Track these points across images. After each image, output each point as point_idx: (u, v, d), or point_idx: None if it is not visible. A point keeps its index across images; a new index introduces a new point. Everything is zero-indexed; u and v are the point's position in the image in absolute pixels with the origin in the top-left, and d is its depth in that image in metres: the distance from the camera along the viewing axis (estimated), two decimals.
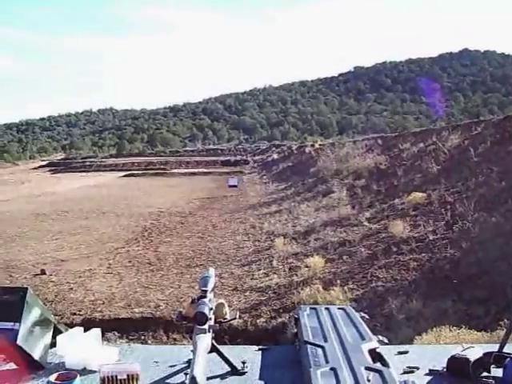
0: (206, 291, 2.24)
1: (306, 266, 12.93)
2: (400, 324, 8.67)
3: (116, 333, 10.80)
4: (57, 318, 11.40)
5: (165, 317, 11.27)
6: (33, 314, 2.55)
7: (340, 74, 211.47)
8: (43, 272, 15.39)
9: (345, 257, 13.37)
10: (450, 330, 6.65)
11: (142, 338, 10.62)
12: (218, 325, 2.28)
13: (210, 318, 2.16)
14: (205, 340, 2.07)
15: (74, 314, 11.76)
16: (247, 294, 12.32)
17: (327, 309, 3.21)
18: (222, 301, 2.50)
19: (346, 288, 10.79)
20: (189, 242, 19.70)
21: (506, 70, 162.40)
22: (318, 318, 3.00)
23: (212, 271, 2.55)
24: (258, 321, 10.52)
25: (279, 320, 10.29)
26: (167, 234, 21.75)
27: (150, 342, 10.44)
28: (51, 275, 15.20)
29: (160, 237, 21.08)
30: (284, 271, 13.50)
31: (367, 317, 3.24)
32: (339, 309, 3.25)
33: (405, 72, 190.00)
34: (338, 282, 11.34)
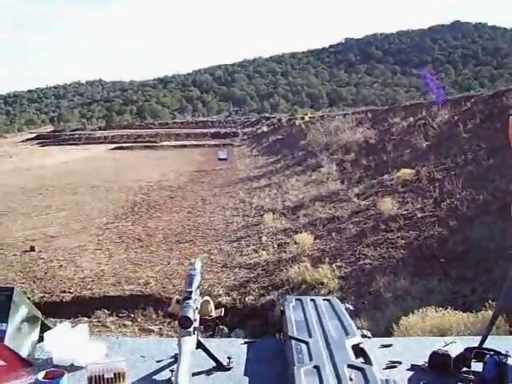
0: (190, 292, 2.26)
1: (295, 243, 12.99)
2: (387, 302, 8.76)
3: (106, 310, 10.87)
4: (46, 295, 11.47)
5: (154, 294, 11.32)
6: (20, 313, 2.57)
7: (330, 46, 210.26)
8: (32, 249, 15.36)
9: (333, 233, 13.44)
10: (436, 311, 6.74)
11: (132, 315, 10.67)
12: (202, 326, 2.31)
13: (195, 320, 2.19)
14: (190, 342, 2.10)
15: (64, 291, 11.78)
16: (236, 270, 12.38)
17: (313, 300, 3.24)
18: (207, 298, 2.53)
19: (334, 266, 10.87)
20: (178, 216, 19.72)
21: (496, 43, 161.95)
22: (304, 310, 3.03)
23: (199, 263, 2.57)
24: (246, 298, 10.58)
25: (268, 298, 10.36)
26: (157, 208, 21.75)
27: (139, 319, 10.50)
28: (40, 252, 15.18)
29: (149, 212, 21.09)
30: (273, 247, 13.56)
31: (352, 308, 3.28)
32: (324, 300, 3.28)
33: (396, 44, 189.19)
34: (327, 259, 11.41)
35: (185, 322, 2.11)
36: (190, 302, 2.21)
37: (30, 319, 2.66)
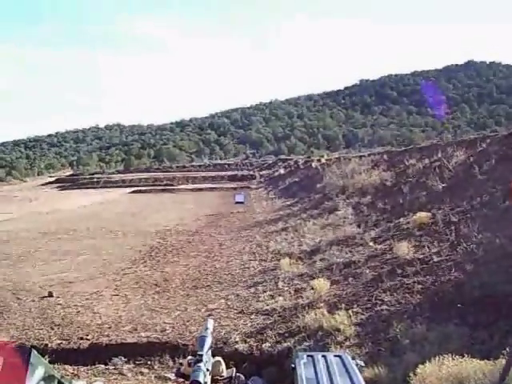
0: (202, 355, 2.33)
1: (312, 288, 12.95)
2: (405, 349, 8.69)
3: (123, 358, 10.87)
4: (64, 342, 11.51)
5: (171, 341, 11.29)
6: (37, 374, 2.65)
7: (346, 87, 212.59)
8: (50, 294, 15.49)
9: (350, 278, 13.39)
10: (453, 359, 6.68)
11: (149, 363, 10.64)
12: None
13: (206, 382, 2.25)
14: None
15: (81, 338, 11.79)
16: (253, 317, 12.33)
17: (324, 356, 3.28)
18: (218, 358, 2.59)
19: (350, 312, 10.81)
20: (195, 261, 19.78)
21: (511, 81, 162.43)
22: (315, 367, 3.07)
23: (211, 324, 2.63)
24: (263, 345, 10.52)
25: (284, 345, 10.30)
26: (174, 253, 21.85)
27: (156, 367, 10.47)
28: (58, 297, 15.29)
29: (166, 256, 21.19)
30: (289, 293, 13.52)
31: (362, 364, 3.32)
32: (336, 356, 3.33)
33: (410, 84, 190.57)
34: (343, 305, 11.37)
35: None
36: (201, 365, 2.27)
37: (47, 379, 2.75)
